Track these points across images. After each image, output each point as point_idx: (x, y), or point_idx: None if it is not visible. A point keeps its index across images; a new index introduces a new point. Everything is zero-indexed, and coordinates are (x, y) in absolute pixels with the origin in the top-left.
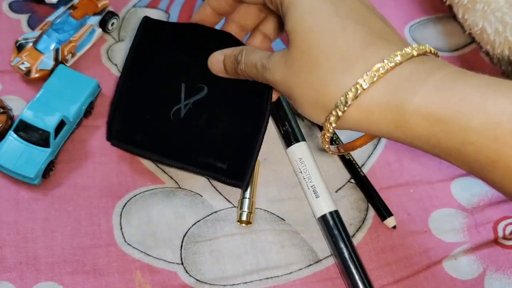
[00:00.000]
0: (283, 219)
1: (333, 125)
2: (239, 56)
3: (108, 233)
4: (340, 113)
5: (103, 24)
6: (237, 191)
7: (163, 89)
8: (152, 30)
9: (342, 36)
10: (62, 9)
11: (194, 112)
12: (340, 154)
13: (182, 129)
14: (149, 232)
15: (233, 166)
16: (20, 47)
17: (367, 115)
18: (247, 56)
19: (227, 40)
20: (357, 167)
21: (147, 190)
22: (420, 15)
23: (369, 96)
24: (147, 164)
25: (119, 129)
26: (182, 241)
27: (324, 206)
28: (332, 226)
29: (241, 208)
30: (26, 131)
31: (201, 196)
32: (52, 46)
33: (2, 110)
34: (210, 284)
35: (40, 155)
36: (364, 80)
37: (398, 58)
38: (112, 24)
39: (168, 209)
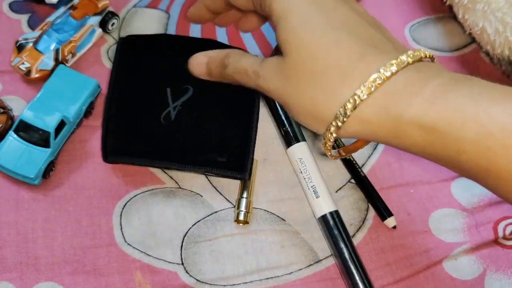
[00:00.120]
0: (283, 219)
1: (334, 135)
2: (226, 59)
3: (108, 233)
4: (340, 124)
5: (103, 24)
6: (237, 191)
7: (149, 97)
8: (130, 46)
9: (337, 48)
10: (62, 9)
11: (184, 112)
12: (341, 157)
13: (175, 131)
14: (149, 232)
15: (232, 158)
16: (20, 47)
17: (366, 125)
18: (236, 60)
19: (203, 45)
20: (357, 167)
21: (147, 190)
22: (420, 15)
23: (367, 107)
24: None
25: (113, 145)
26: (182, 241)
27: (324, 206)
28: (332, 226)
29: (238, 207)
30: (26, 131)
31: (201, 196)
32: (52, 46)
33: (2, 110)
34: (210, 284)
35: (40, 155)
36: (362, 91)
37: (393, 68)
38: (112, 24)
39: (168, 209)
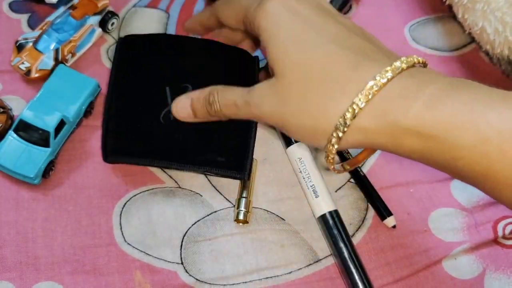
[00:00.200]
0: (283, 219)
1: (335, 146)
2: (210, 97)
3: (108, 233)
4: (340, 134)
5: (103, 24)
6: (237, 191)
7: (149, 96)
8: (130, 46)
9: (330, 62)
10: (62, 9)
11: None
12: (346, 171)
13: (175, 131)
14: (149, 232)
15: (232, 158)
16: (20, 47)
17: (366, 133)
18: (221, 95)
19: (201, 44)
20: (356, 166)
21: (147, 190)
22: (420, 14)
23: (366, 115)
24: None
25: (113, 145)
26: (182, 241)
27: (324, 206)
28: (332, 225)
29: (238, 207)
30: (26, 131)
31: (201, 195)
32: (52, 46)
33: (2, 110)
34: (210, 283)
35: (40, 155)
36: (360, 99)
37: (389, 74)
38: (112, 24)
39: (168, 209)
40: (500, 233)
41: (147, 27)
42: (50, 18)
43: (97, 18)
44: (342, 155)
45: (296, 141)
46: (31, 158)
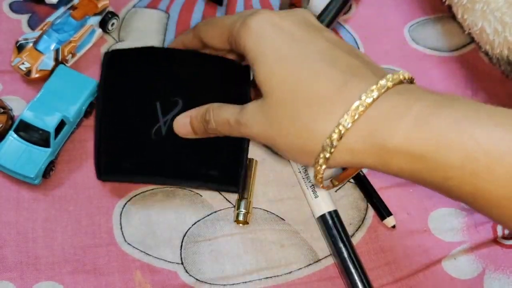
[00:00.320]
0: (282, 219)
1: (323, 166)
2: (207, 115)
3: (108, 233)
4: (328, 155)
5: (103, 25)
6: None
7: (139, 112)
8: (116, 61)
9: (316, 81)
10: (62, 10)
11: None
12: (334, 187)
13: (167, 147)
14: (149, 232)
15: (224, 172)
16: (20, 47)
17: (354, 153)
18: (216, 114)
19: (189, 55)
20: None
21: (147, 190)
22: (420, 15)
23: (353, 135)
24: None
25: (106, 163)
26: (182, 241)
27: (323, 206)
28: (331, 225)
29: (238, 208)
30: (27, 131)
31: (201, 196)
32: (52, 46)
33: (2, 110)
34: (210, 283)
35: (41, 155)
36: (346, 120)
37: (375, 93)
38: (112, 24)
39: (168, 209)
40: (499, 233)
41: (147, 27)
42: (50, 19)
43: (97, 18)
44: None
45: None
46: (31, 158)
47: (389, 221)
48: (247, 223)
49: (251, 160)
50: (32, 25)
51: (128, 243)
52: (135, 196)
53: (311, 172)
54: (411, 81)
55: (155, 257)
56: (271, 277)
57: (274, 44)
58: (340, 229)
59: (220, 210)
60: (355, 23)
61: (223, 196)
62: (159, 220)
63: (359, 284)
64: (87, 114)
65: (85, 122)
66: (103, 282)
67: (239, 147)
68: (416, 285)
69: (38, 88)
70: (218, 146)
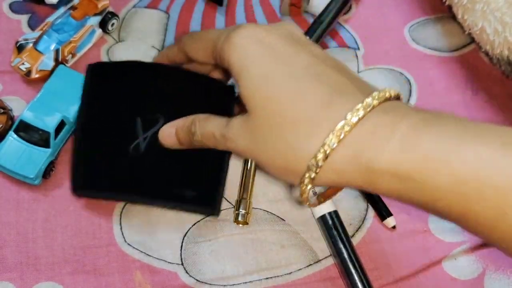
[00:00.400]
0: (283, 219)
1: (309, 186)
2: (192, 127)
3: (108, 233)
4: (313, 175)
5: (103, 25)
6: (236, 192)
7: (118, 127)
8: (99, 74)
9: (302, 99)
10: (62, 10)
11: (154, 144)
12: (320, 204)
13: (145, 164)
14: (149, 232)
15: (202, 193)
16: (20, 48)
17: (339, 174)
18: (201, 126)
19: (173, 72)
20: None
21: None
22: (420, 15)
23: (339, 156)
24: None
25: (82, 178)
26: (182, 242)
27: (324, 207)
28: (331, 226)
29: (237, 208)
30: (27, 131)
31: None
32: (52, 47)
33: (2, 111)
34: (210, 284)
35: (40, 156)
36: (331, 140)
37: (360, 112)
38: (112, 24)
39: (168, 210)
40: None
41: (147, 27)
42: (50, 19)
43: (97, 18)
44: None
45: None
46: (31, 158)
47: (389, 221)
48: (247, 223)
49: (250, 160)
50: (32, 25)
51: (128, 244)
52: None
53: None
54: (397, 97)
55: (155, 257)
56: (271, 277)
57: (258, 60)
58: (340, 230)
59: (220, 210)
60: (355, 23)
61: (223, 196)
62: (159, 220)
63: (359, 284)
64: None
65: None
66: (103, 282)
67: (218, 167)
68: (416, 286)
69: (38, 89)
70: (197, 166)
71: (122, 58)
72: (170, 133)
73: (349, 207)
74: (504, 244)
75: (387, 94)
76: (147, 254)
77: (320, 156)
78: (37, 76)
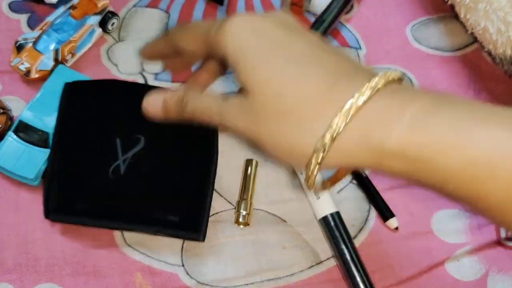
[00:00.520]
0: (284, 220)
1: (316, 170)
2: (185, 97)
3: (109, 235)
4: (320, 158)
5: (103, 24)
6: (237, 193)
7: (97, 149)
8: (77, 92)
9: (304, 81)
10: (62, 9)
11: (135, 166)
12: (326, 190)
13: (125, 187)
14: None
15: (185, 218)
16: (19, 47)
17: (347, 155)
18: (196, 98)
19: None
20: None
21: None
22: (422, 14)
23: (346, 137)
24: None
25: (56, 202)
26: (183, 243)
27: (325, 208)
28: (333, 227)
29: (238, 209)
30: (26, 132)
31: None
32: (52, 46)
33: (1, 111)
34: (211, 285)
35: (40, 156)
36: (339, 121)
37: (367, 93)
38: (112, 24)
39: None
40: (503, 235)
41: (148, 27)
42: (50, 18)
43: (97, 18)
44: None
45: None
46: (31, 159)
47: (392, 222)
48: (248, 224)
49: (251, 160)
50: (31, 25)
51: (129, 245)
52: None
53: (302, 177)
54: (400, 79)
55: (156, 259)
56: (272, 279)
57: (255, 46)
58: (342, 231)
59: (221, 211)
60: (357, 22)
61: (224, 198)
62: None
63: (361, 286)
64: None
65: None
66: (104, 284)
67: (202, 190)
68: (419, 287)
69: (38, 88)
70: (180, 189)
71: (122, 57)
72: (156, 100)
73: (351, 208)
74: None
75: (392, 76)
76: (148, 256)
77: (328, 137)
78: (36, 76)
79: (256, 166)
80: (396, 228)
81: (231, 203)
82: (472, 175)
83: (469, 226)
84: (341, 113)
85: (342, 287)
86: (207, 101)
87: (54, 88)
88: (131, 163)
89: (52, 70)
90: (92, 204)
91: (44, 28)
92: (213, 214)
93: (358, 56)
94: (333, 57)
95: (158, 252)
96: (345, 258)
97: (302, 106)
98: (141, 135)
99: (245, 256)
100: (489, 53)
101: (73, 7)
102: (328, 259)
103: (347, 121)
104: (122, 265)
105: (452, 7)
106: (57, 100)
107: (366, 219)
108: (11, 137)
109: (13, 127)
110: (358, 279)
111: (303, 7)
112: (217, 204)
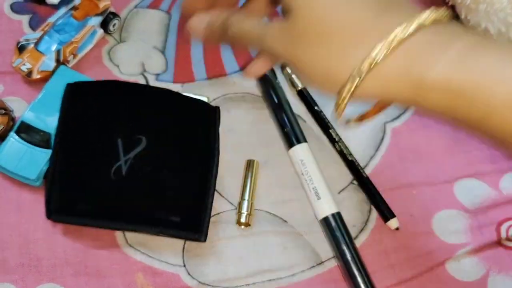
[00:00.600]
0: (285, 221)
1: (347, 97)
2: (229, 20)
3: (110, 235)
4: (354, 86)
5: (104, 25)
6: (239, 193)
7: (99, 149)
8: (78, 93)
9: (350, 8)
10: (63, 10)
11: (136, 166)
12: (353, 123)
13: (126, 188)
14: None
15: (187, 218)
16: (21, 48)
17: (384, 86)
18: (239, 22)
19: (155, 92)
20: (359, 168)
21: None
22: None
23: (385, 68)
24: None
25: (58, 202)
26: (185, 243)
27: (326, 208)
28: (334, 228)
29: (240, 210)
30: (28, 132)
31: None
32: (54, 47)
33: (3, 112)
34: (212, 286)
35: (42, 157)
36: (380, 51)
37: (413, 26)
38: (114, 25)
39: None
40: (503, 235)
41: (149, 28)
42: (51, 19)
43: (99, 19)
44: None
45: (298, 143)
46: (32, 160)
47: (393, 223)
48: (249, 225)
49: (252, 161)
50: (33, 26)
51: (130, 245)
52: None
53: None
54: (448, 18)
55: (157, 259)
56: (274, 279)
57: None
58: (343, 231)
59: (223, 212)
60: None
61: (225, 198)
62: None
63: (362, 286)
64: None
65: None
66: (105, 284)
67: (203, 191)
68: (420, 287)
69: (39, 89)
70: (181, 189)
71: (123, 58)
72: (200, 22)
73: (352, 208)
74: None
75: (439, 15)
76: (149, 256)
77: (366, 65)
78: (38, 76)
79: (257, 167)
80: (397, 229)
81: (232, 204)
82: None
83: (470, 226)
84: (384, 43)
85: None
86: (249, 24)
87: (55, 89)
88: (132, 163)
89: (53, 71)
90: (94, 205)
91: (45, 29)
92: (214, 215)
93: None
94: None
95: (160, 252)
96: (346, 259)
97: (345, 31)
98: (143, 135)
99: (246, 257)
100: None
101: (74, 8)
102: (329, 259)
103: (388, 51)
104: (124, 266)
105: (452, 7)
106: (58, 101)
107: (367, 220)
108: (13, 137)
109: (15, 128)
110: (359, 279)
111: None
112: (218, 204)
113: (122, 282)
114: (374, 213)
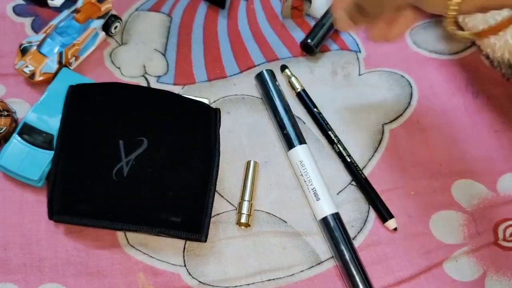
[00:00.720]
0: (284, 221)
1: (456, 8)
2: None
3: (112, 235)
4: None
5: (106, 28)
6: (239, 194)
7: (100, 151)
8: (80, 95)
9: None
10: (65, 13)
11: (138, 167)
12: (471, 39)
13: (128, 189)
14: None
15: (188, 218)
16: (24, 51)
17: None
18: None
19: (156, 94)
20: (358, 169)
21: None
22: (421, 18)
23: None
24: None
25: (60, 203)
26: (185, 243)
27: (325, 209)
28: (333, 228)
29: (240, 210)
30: (30, 134)
31: None
32: (56, 50)
33: (6, 113)
34: (212, 286)
35: (44, 158)
36: None
37: None
38: (115, 27)
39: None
40: (500, 236)
41: (150, 30)
42: (53, 22)
43: (101, 21)
44: None
45: (297, 144)
46: (35, 161)
47: (391, 223)
48: (249, 225)
49: (252, 162)
50: (35, 28)
51: (131, 245)
52: None
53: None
54: None
55: (158, 259)
56: (273, 279)
57: None
58: (342, 232)
59: (223, 212)
60: None
61: (225, 199)
62: None
63: (360, 286)
64: None
65: None
66: (107, 284)
67: (204, 191)
68: (418, 287)
69: (42, 91)
70: (181, 190)
71: (125, 60)
72: (341, 16)
73: (350, 209)
74: None
75: None
76: (150, 256)
77: None
78: (40, 78)
79: (257, 168)
80: (395, 229)
81: (232, 204)
82: None
83: (467, 227)
84: None
85: (342, 287)
86: None
87: (58, 91)
88: (134, 164)
89: (56, 73)
90: (96, 205)
91: (48, 31)
92: (215, 215)
93: (358, 59)
94: None
95: (160, 252)
96: (344, 259)
97: None
98: (144, 137)
99: (246, 257)
100: (487, 57)
101: (76, 11)
102: (328, 259)
103: None
104: (125, 265)
105: None
106: (61, 103)
107: (365, 220)
108: (15, 139)
109: (17, 129)
110: (358, 279)
111: (303, 10)
112: (219, 205)
113: (123, 281)
114: (373, 214)
